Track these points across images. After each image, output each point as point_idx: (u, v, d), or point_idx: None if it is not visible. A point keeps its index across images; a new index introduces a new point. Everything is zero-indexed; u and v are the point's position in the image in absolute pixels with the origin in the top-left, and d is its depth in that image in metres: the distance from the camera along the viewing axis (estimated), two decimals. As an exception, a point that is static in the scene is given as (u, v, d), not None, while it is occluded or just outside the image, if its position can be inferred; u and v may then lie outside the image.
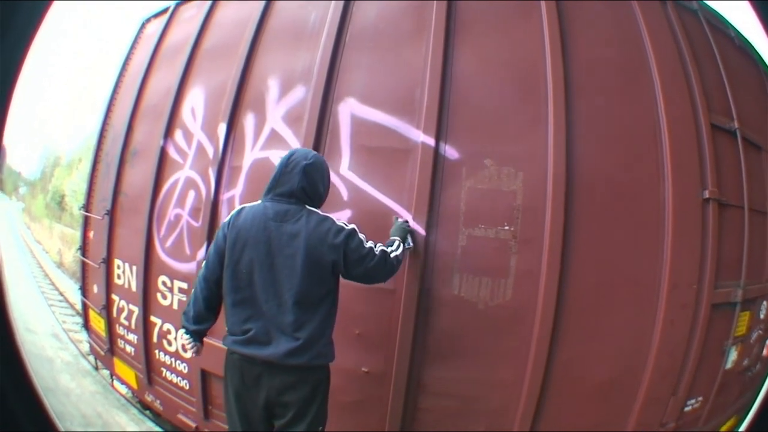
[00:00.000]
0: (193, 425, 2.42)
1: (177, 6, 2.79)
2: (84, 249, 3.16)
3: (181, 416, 2.49)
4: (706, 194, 2.09)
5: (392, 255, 1.69)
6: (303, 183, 1.59)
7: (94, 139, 3.05)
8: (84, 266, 3.18)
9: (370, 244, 1.65)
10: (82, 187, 3.14)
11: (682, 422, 2.26)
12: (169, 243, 2.39)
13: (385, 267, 1.65)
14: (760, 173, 2.60)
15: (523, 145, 1.90)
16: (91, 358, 3.48)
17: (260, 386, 1.58)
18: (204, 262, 1.68)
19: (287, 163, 1.62)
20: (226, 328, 1.62)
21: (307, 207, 1.61)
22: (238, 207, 1.70)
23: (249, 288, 1.56)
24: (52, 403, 1.25)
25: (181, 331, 1.67)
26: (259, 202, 1.64)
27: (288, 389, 1.56)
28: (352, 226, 1.62)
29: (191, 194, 2.32)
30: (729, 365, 2.43)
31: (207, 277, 1.64)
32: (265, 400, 1.59)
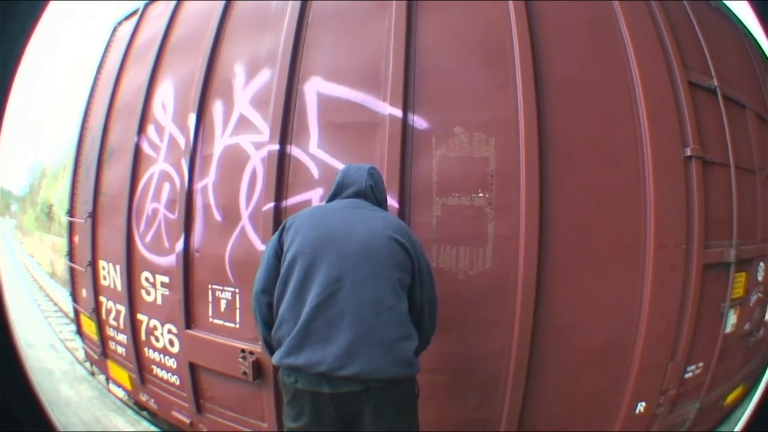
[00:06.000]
0: (188, 421, 2.40)
1: (146, 6, 2.80)
2: (71, 254, 3.16)
3: (175, 413, 2.47)
4: (688, 152, 2.05)
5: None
6: (370, 182, 1.55)
7: (75, 145, 3.07)
8: (72, 271, 3.18)
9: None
10: (67, 193, 3.15)
11: (684, 389, 2.20)
12: (148, 238, 2.38)
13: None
14: (745, 131, 2.55)
15: (493, 110, 1.86)
16: (87, 364, 3.48)
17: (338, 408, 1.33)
18: (256, 276, 1.46)
19: (349, 169, 1.60)
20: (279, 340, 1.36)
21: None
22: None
23: (330, 293, 1.32)
24: (56, 415, 1.25)
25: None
26: (322, 204, 1.57)
27: (378, 408, 1.33)
28: None
29: (166, 187, 2.31)
30: (729, 329, 2.37)
31: (269, 289, 1.42)
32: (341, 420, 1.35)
